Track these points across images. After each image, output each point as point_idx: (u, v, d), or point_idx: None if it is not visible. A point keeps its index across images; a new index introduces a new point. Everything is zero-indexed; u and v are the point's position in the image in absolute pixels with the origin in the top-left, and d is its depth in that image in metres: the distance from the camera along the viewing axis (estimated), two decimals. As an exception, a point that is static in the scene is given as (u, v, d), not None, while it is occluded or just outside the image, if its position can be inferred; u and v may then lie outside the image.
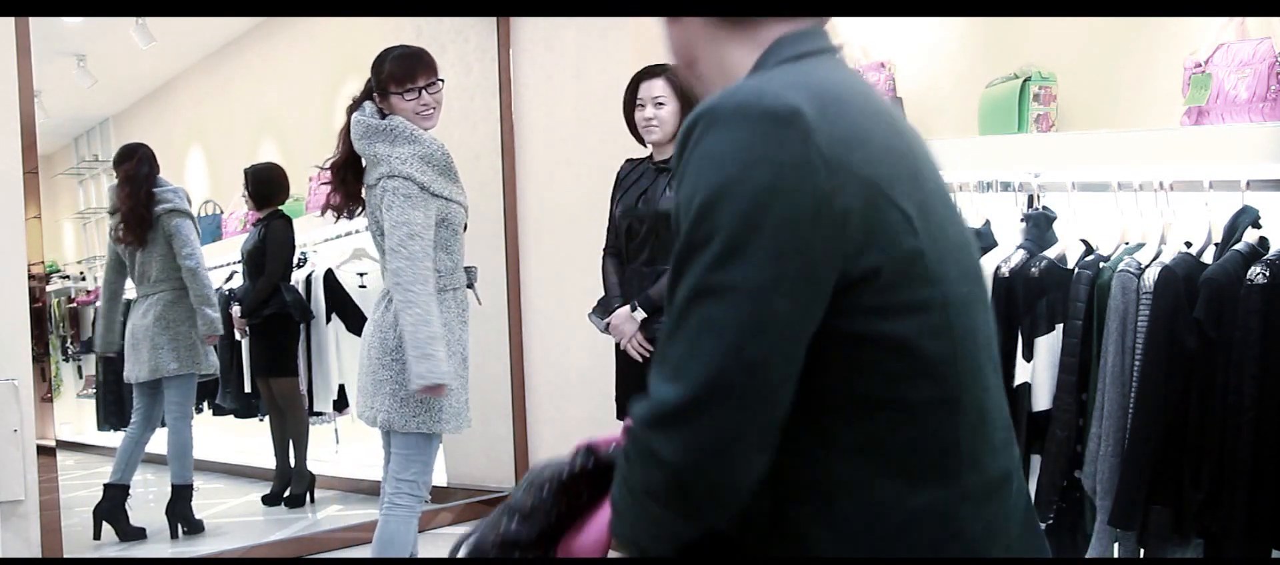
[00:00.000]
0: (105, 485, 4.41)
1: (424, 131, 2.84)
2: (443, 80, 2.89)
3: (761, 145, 0.97)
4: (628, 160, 3.37)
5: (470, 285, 2.96)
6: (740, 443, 0.97)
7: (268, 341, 4.81)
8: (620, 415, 3.38)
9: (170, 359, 4.38)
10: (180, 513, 4.49)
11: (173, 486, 4.48)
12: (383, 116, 2.83)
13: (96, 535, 4.38)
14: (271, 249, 4.71)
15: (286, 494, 4.92)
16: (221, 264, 5.76)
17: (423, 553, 3.26)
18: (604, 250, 3.41)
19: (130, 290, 4.65)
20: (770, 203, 0.95)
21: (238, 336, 5.02)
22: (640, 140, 3.34)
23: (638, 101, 3.22)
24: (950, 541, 1.05)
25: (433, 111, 2.87)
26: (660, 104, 3.16)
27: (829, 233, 0.97)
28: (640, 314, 3.20)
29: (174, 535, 4.46)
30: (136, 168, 4.37)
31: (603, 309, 3.35)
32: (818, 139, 0.97)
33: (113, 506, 4.39)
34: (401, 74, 2.83)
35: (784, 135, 0.97)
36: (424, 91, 2.83)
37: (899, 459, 1.04)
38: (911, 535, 1.04)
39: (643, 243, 3.24)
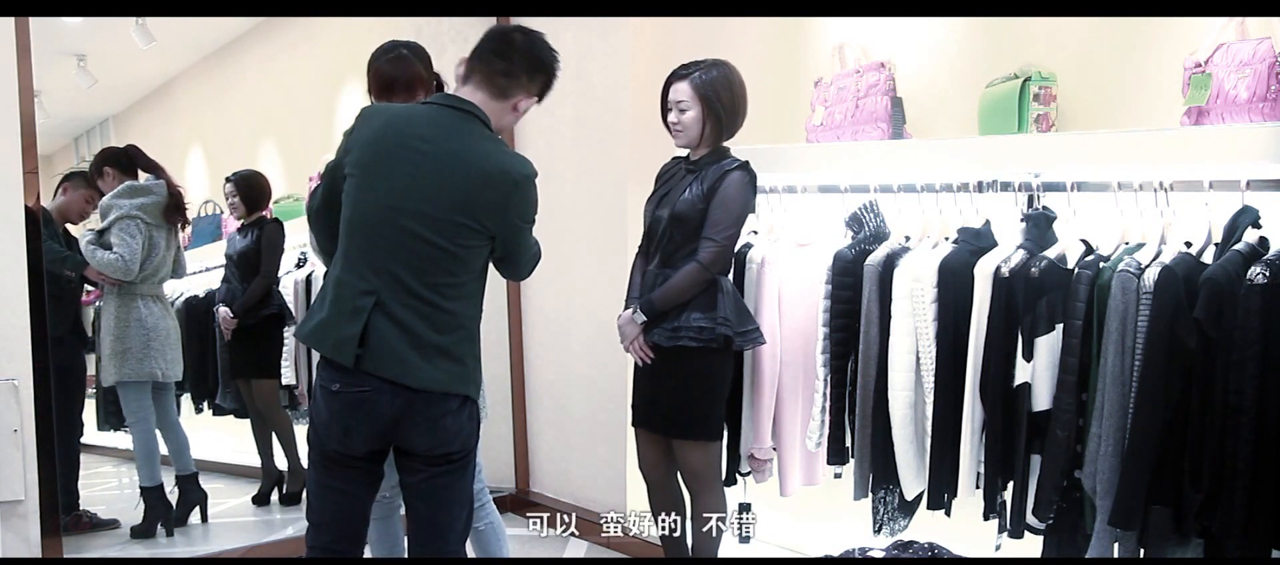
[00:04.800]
0: (145, 489, 4.43)
1: None
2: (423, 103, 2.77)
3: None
4: (673, 158, 3.24)
5: None
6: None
7: (256, 342, 4.83)
8: (635, 421, 3.25)
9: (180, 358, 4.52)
10: (199, 496, 4.56)
11: (185, 477, 4.54)
12: None
13: (169, 533, 4.46)
14: (268, 251, 4.77)
15: (284, 492, 4.93)
16: (221, 264, 5.76)
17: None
18: (638, 249, 3.27)
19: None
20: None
21: (227, 337, 5.02)
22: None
23: (667, 103, 3.11)
24: None
25: None
26: (683, 109, 3.05)
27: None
28: (641, 317, 3.06)
29: (205, 519, 4.57)
30: (145, 156, 4.49)
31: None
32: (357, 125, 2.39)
33: (166, 505, 4.45)
34: (383, 84, 2.79)
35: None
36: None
37: None
38: None
39: (657, 244, 3.11)
